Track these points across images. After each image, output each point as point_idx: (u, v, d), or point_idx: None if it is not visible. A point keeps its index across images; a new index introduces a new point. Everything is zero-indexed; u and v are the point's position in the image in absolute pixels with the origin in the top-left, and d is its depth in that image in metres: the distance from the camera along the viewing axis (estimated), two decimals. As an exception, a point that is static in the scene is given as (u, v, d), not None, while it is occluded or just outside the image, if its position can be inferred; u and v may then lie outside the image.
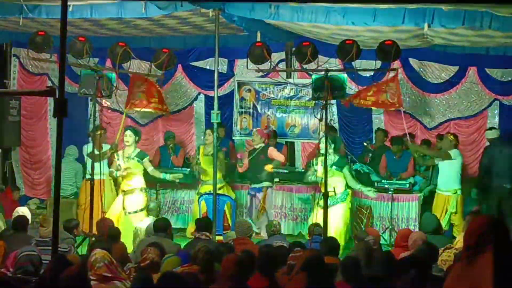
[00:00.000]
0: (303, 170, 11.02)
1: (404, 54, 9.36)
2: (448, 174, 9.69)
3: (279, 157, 10.30)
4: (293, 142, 11.80)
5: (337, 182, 9.09)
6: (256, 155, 10.34)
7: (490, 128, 10.41)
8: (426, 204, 10.11)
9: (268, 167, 10.22)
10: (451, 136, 9.87)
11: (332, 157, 9.10)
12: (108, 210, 9.40)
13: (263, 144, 10.23)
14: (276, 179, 10.56)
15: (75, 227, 7.86)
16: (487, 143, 10.42)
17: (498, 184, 9.66)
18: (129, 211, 9.28)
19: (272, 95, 11.49)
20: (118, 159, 9.45)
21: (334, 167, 9.07)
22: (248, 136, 11.35)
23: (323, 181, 8.08)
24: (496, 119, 11.11)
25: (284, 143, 11.46)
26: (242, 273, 4.74)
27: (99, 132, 9.79)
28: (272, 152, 10.28)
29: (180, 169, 10.83)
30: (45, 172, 12.02)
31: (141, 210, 9.37)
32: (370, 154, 11.00)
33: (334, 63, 9.15)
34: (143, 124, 12.36)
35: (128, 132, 9.50)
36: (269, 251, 5.68)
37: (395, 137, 10.81)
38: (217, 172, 9.68)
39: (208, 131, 10.08)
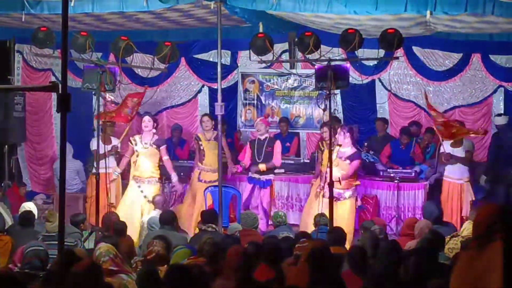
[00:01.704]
0: (308, 161, 11.03)
1: (407, 42, 9.33)
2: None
3: (277, 161, 9.96)
4: (298, 133, 11.80)
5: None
6: (262, 146, 10.02)
7: (499, 114, 10.38)
8: (432, 192, 10.10)
9: (262, 167, 9.86)
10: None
11: (348, 149, 9.08)
12: (122, 202, 9.46)
13: (267, 135, 10.11)
14: (281, 170, 10.52)
15: (82, 221, 7.88)
16: (495, 130, 10.38)
17: (507, 171, 9.63)
18: (150, 199, 9.31)
19: (276, 86, 11.48)
20: (136, 145, 9.47)
21: (347, 161, 8.98)
22: (253, 128, 11.36)
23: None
24: (501, 106, 11.08)
25: (294, 134, 11.46)
26: (247, 264, 4.75)
27: (109, 125, 9.89)
28: (276, 148, 10.04)
29: (185, 161, 10.87)
30: (51, 167, 12.04)
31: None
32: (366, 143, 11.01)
33: (337, 53, 9.13)
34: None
35: (147, 118, 9.55)
36: (275, 242, 5.69)
37: (404, 127, 10.77)
38: (216, 161, 9.73)
39: (206, 118, 9.99)
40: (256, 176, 9.88)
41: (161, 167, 9.75)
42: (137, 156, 9.49)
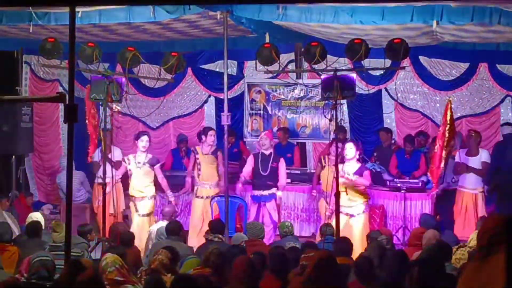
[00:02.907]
0: (315, 171, 11.00)
1: (414, 51, 9.33)
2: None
3: (283, 178, 9.82)
4: (304, 143, 11.78)
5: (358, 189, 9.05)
6: (268, 161, 9.82)
7: (504, 124, 10.34)
8: (439, 202, 10.07)
9: (279, 194, 9.85)
10: (473, 133, 9.80)
11: (355, 164, 9.06)
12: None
13: (272, 150, 9.88)
14: (287, 180, 10.49)
15: (89, 232, 7.88)
16: (502, 139, 10.33)
17: (510, 181, 9.56)
18: (142, 213, 9.37)
19: (282, 96, 11.49)
20: (129, 164, 9.47)
21: (355, 176, 8.96)
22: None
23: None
24: (510, 115, 11.04)
25: (296, 143, 11.45)
26: (253, 274, 4.75)
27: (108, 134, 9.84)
28: (281, 167, 9.82)
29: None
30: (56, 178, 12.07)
31: (150, 214, 9.48)
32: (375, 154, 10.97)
33: (344, 63, 9.14)
34: (155, 128, 12.42)
35: (145, 138, 9.49)
36: (281, 252, 5.68)
37: (408, 136, 10.77)
38: (215, 175, 9.71)
39: (214, 132, 9.94)
40: (260, 193, 9.83)
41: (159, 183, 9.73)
42: (131, 175, 9.47)
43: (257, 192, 9.83)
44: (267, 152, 9.84)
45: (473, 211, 9.47)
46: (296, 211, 10.58)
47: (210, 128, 10.28)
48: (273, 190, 9.76)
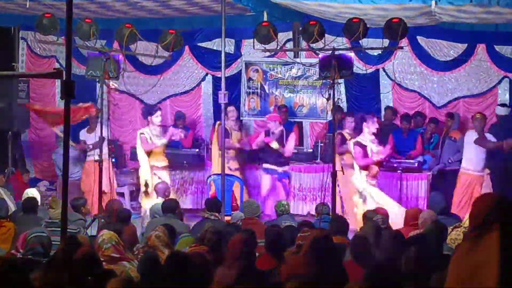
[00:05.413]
0: (311, 150, 11.02)
1: (412, 32, 9.29)
2: (476, 153, 9.57)
3: (290, 145, 10.16)
4: (301, 122, 11.78)
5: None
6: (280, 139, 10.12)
7: (502, 105, 10.33)
8: (435, 183, 10.09)
9: (276, 145, 10.05)
10: (479, 115, 9.81)
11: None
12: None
13: (281, 127, 10.08)
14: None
15: (82, 205, 7.88)
16: (497, 121, 10.34)
17: (506, 162, 9.58)
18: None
19: (279, 75, 11.45)
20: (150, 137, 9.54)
21: (380, 147, 9.03)
22: (257, 117, 11.39)
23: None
24: (507, 96, 11.02)
25: (295, 123, 11.44)
26: (249, 252, 4.76)
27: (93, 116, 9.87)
28: (291, 139, 10.13)
29: (189, 149, 10.89)
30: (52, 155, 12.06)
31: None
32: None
33: (341, 42, 9.10)
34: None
35: (159, 112, 9.73)
36: (277, 231, 5.70)
37: (405, 114, 10.78)
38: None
39: (231, 107, 10.27)
40: (273, 167, 9.94)
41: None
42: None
43: (273, 166, 10.02)
44: (277, 131, 10.08)
45: (470, 193, 9.50)
46: (292, 189, 10.61)
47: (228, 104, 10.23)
48: (286, 167, 10.08)
